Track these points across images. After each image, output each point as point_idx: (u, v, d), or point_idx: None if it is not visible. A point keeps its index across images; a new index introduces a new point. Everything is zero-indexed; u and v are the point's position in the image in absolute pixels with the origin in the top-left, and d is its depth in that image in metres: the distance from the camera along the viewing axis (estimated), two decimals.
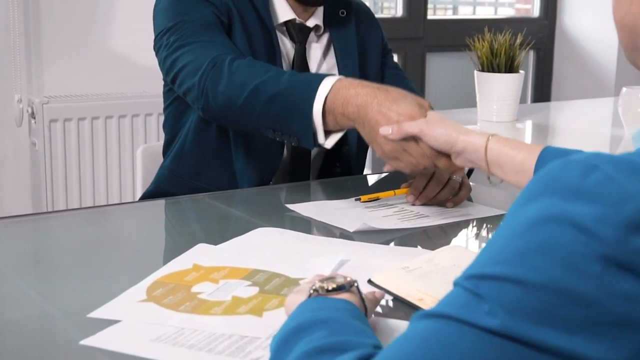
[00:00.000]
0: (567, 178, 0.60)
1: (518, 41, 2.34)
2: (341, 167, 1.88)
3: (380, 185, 1.77)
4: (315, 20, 1.78)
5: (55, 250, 1.30)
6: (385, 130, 1.34)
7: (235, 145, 1.70)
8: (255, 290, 1.07)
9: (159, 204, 1.59)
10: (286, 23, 1.75)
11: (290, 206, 1.51)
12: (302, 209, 1.50)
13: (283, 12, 1.75)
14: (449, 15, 3.93)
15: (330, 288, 0.88)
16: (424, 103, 1.38)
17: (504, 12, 4.22)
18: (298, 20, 1.75)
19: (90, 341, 0.91)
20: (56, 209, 2.56)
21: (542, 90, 4.20)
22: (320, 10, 1.80)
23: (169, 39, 1.64)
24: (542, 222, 0.59)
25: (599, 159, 0.60)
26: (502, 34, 2.34)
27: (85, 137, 2.55)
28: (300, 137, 1.45)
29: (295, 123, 1.44)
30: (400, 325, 0.96)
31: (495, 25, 2.72)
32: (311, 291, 0.88)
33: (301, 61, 1.76)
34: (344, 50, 1.82)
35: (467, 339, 0.60)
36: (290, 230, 1.37)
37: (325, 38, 1.82)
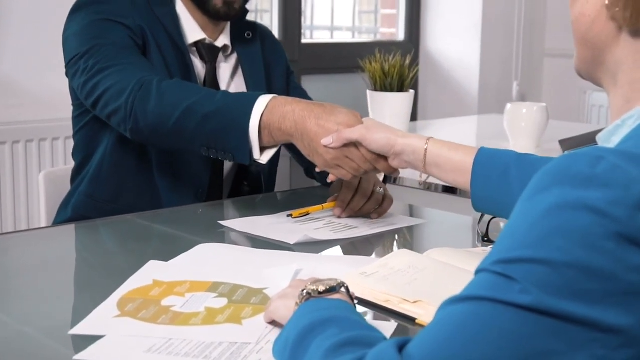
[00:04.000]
0: (578, 168, 0.68)
1: (407, 62, 2.46)
2: (249, 186, 1.92)
3: (291, 202, 1.82)
4: (223, 40, 1.83)
5: None
6: (327, 140, 1.41)
7: (159, 165, 1.71)
8: (224, 301, 1.10)
9: (91, 225, 1.57)
10: (196, 43, 1.79)
11: (224, 222, 1.54)
12: (236, 224, 1.53)
13: (192, 32, 1.79)
14: (307, 39, 4.01)
15: (322, 290, 0.92)
16: (357, 113, 1.46)
17: (361, 38, 4.37)
18: (208, 40, 1.79)
19: (84, 356, 0.91)
20: None
21: None
22: (227, 31, 1.85)
23: (87, 62, 1.63)
24: (558, 208, 0.67)
25: (602, 150, 0.69)
26: (392, 56, 2.46)
27: None
28: (236, 153, 1.49)
29: (231, 140, 1.48)
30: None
31: (367, 48, 2.84)
32: (303, 294, 0.92)
33: (212, 80, 1.80)
34: (251, 71, 1.88)
35: (503, 317, 0.67)
36: (231, 244, 1.40)
37: (233, 58, 1.87)
